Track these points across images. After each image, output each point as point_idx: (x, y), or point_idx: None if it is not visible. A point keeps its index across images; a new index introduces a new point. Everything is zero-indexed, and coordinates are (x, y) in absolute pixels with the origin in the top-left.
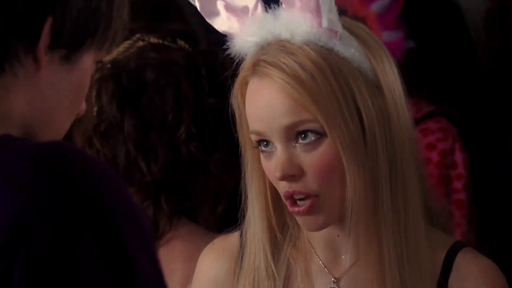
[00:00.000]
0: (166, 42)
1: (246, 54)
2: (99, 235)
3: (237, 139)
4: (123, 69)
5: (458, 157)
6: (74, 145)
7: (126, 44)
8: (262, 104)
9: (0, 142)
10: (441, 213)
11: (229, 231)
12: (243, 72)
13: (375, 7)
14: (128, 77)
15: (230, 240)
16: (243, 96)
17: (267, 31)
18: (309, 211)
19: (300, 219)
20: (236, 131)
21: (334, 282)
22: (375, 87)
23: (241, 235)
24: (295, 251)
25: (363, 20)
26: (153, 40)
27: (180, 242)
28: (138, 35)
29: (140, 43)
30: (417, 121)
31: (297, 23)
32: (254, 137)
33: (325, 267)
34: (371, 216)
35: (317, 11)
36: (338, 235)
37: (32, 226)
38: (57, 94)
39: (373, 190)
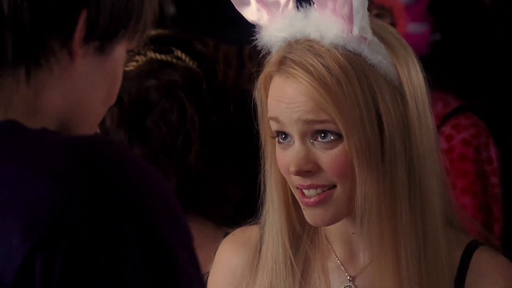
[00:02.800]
0: (163, 57)
1: (271, 47)
2: (138, 226)
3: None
4: (124, 91)
5: (493, 152)
6: (112, 138)
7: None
8: (284, 100)
9: (39, 135)
10: (458, 214)
11: (248, 224)
12: (268, 68)
13: None
14: (130, 100)
15: (250, 231)
16: (266, 90)
17: (296, 29)
18: (319, 203)
19: (307, 212)
20: (256, 126)
21: (349, 280)
22: (399, 95)
23: (260, 228)
24: (313, 246)
25: (390, 10)
26: (151, 55)
27: None
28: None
29: (138, 58)
30: (447, 117)
31: (328, 25)
32: (273, 125)
33: (341, 264)
34: (386, 222)
35: (350, 18)
36: (353, 233)
37: (73, 218)
38: (91, 86)
39: (389, 198)
